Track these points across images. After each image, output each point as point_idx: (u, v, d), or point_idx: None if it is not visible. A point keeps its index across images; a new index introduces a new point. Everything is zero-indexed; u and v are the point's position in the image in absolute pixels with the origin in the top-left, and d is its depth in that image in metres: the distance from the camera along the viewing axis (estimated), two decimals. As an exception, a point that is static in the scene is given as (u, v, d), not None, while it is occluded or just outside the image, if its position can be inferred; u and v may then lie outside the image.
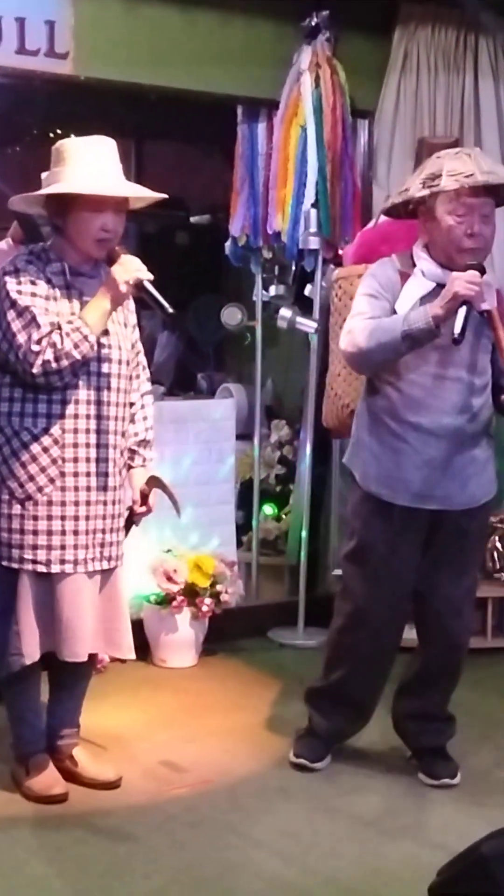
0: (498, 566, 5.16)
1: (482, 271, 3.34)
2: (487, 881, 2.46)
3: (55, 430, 3.31)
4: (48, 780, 3.48)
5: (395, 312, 3.43)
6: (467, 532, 3.58)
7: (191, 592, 4.74)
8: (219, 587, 4.80)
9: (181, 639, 4.81)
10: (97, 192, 3.28)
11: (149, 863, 3.12)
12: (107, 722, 4.04)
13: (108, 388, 3.38)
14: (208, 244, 6.30)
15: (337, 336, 3.82)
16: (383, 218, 3.91)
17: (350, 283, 3.83)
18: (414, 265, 3.48)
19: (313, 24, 5.11)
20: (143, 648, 4.60)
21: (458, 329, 3.25)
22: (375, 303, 3.46)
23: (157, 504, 3.60)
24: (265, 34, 5.18)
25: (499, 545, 5.15)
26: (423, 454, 3.47)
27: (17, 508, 3.33)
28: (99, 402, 3.36)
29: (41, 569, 3.32)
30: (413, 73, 5.37)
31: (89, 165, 3.30)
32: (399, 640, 3.70)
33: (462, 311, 3.27)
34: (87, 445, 3.35)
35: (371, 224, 4.10)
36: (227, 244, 5.40)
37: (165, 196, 3.46)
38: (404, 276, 3.48)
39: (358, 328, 3.42)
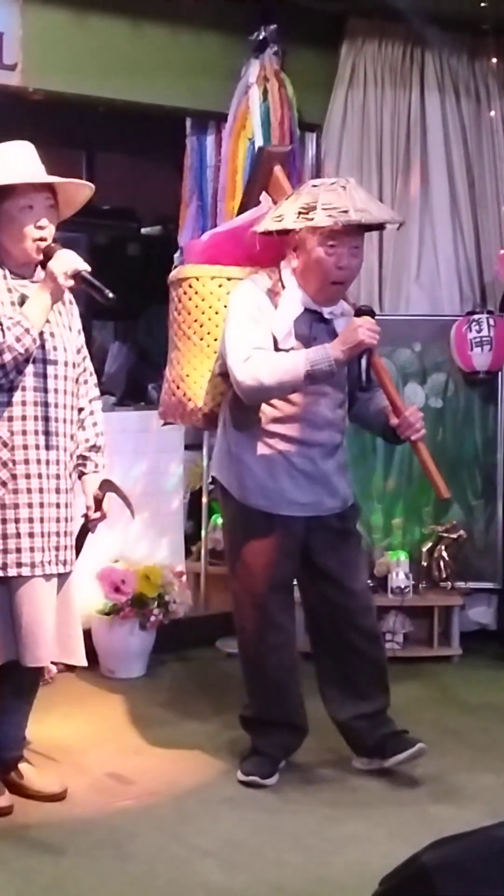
0: (444, 575, 5.20)
1: (373, 314, 3.50)
2: (428, 891, 2.48)
3: (3, 432, 3.31)
4: (-7, 792, 3.47)
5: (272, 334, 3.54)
6: (345, 533, 3.75)
7: (139, 602, 4.74)
8: (167, 597, 4.81)
9: (129, 649, 4.81)
10: (21, 181, 3.29)
11: (95, 876, 3.11)
12: (53, 733, 4.03)
13: (55, 390, 3.39)
14: (159, 255, 6.30)
15: (185, 336, 3.85)
16: (236, 221, 3.95)
17: (203, 284, 3.82)
18: (282, 286, 3.58)
19: (261, 37, 5.15)
20: (91, 659, 4.56)
21: (364, 377, 3.49)
22: (258, 329, 3.54)
23: (108, 512, 3.60)
24: (213, 47, 5.22)
25: (444, 554, 5.20)
26: (295, 464, 3.62)
27: None
28: (46, 404, 3.36)
29: None
30: (360, 87, 5.44)
31: (11, 164, 3.32)
32: (295, 646, 3.79)
33: (365, 358, 3.46)
34: (37, 447, 3.35)
35: (226, 227, 4.10)
36: (177, 256, 5.41)
37: (92, 186, 3.47)
38: (272, 295, 3.58)
39: (258, 362, 3.47)
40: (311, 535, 3.68)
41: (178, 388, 3.89)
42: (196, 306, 3.83)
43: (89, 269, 3.30)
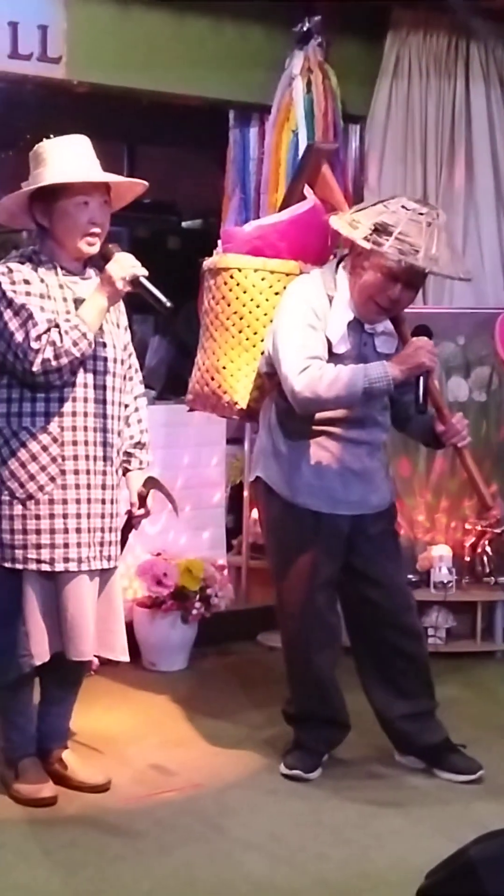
0: (487, 570, 5.16)
1: (430, 335, 3.52)
2: (475, 885, 2.46)
3: (54, 428, 3.32)
4: (37, 783, 3.49)
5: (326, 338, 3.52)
6: (385, 532, 3.75)
7: (180, 596, 4.75)
8: (208, 591, 4.81)
9: (171, 642, 4.82)
10: (79, 180, 3.29)
11: (138, 866, 3.12)
12: (96, 725, 4.04)
13: (105, 387, 3.40)
14: (200, 249, 6.29)
15: (222, 327, 3.80)
16: (283, 215, 3.92)
17: (245, 276, 3.77)
18: (335, 286, 3.56)
19: (305, 29, 5.14)
20: (133, 652, 4.57)
21: (422, 401, 3.50)
22: (315, 336, 3.50)
23: (151, 510, 3.61)
24: (257, 39, 5.22)
25: (488, 549, 5.16)
26: (342, 462, 3.61)
27: (18, 509, 3.33)
28: (96, 401, 3.38)
29: (45, 568, 3.33)
30: (404, 78, 5.42)
31: (68, 161, 3.32)
32: (340, 643, 3.80)
33: (423, 378, 3.47)
34: (86, 443, 3.36)
35: (271, 220, 4.07)
36: (217, 250, 5.40)
37: (146, 184, 3.48)
38: (330, 300, 3.56)
39: (316, 373, 3.43)
40: (354, 534, 3.67)
41: (212, 379, 3.85)
42: (237, 298, 3.79)
43: (147, 273, 3.30)
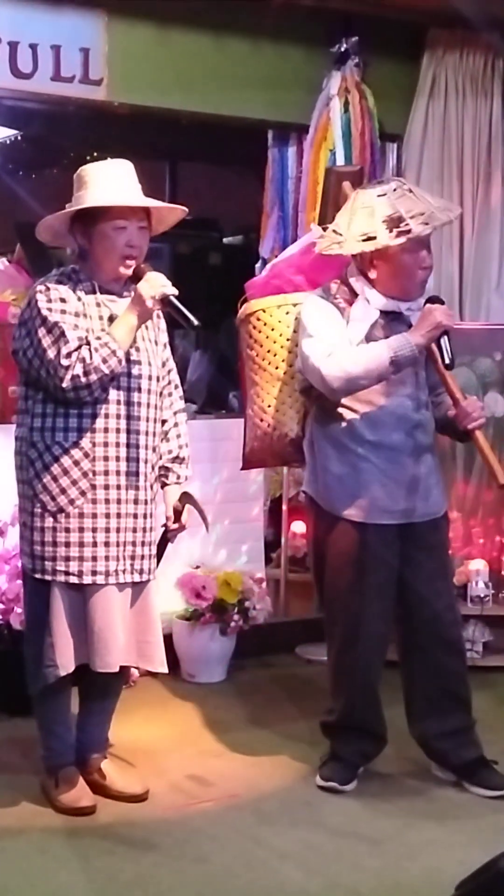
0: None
1: (442, 303, 3.56)
2: (504, 896, 2.50)
3: (85, 443, 3.39)
4: (77, 792, 3.54)
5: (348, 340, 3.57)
6: (435, 544, 3.73)
7: (219, 608, 4.79)
8: (247, 603, 4.85)
9: (209, 654, 4.86)
10: (118, 204, 3.37)
11: (174, 874, 3.17)
12: (135, 735, 4.09)
13: (138, 403, 3.46)
14: (240, 264, 6.37)
15: (261, 369, 3.89)
16: (293, 248, 4.01)
17: (270, 315, 3.85)
18: (353, 294, 3.62)
19: (342, 49, 5.20)
20: (172, 663, 4.63)
21: (448, 357, 3.51)
22: (334, 330, 3.58)
23: (188, 521, 3.66)
24: (295, 60, 5.28)
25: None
26: (385, 471, 3.62)
27: (49, 521, 3.41)
28: (129, 417, 3.44)
29: (73, 580, 3.39)
30: (441, 97, 5.46)
31: (108, 185, 3.40)
32: (385, 654, 3.81)
33: (444, 339, 3.50)
34: (118, 459, 3.42)
35: (283, 256, 4.16)
36: (258, 266, 5.47)
37: (185, 210, 3.56)
38: (339, 307, 3.61)
39: (342, 354, 3.50)
40: (405, 544, 3.67)
41: (261, 420, 3.93)
42: (267, 337, 3.87)
43: (177, 292, 3.37)
